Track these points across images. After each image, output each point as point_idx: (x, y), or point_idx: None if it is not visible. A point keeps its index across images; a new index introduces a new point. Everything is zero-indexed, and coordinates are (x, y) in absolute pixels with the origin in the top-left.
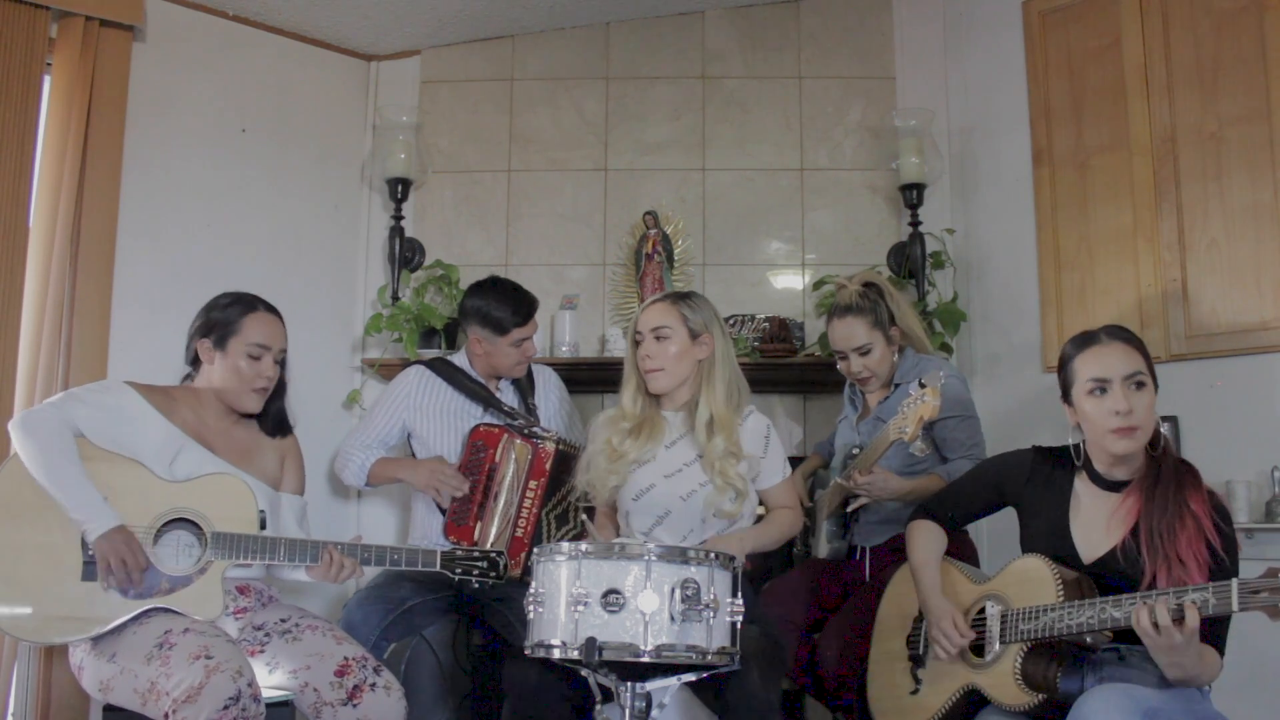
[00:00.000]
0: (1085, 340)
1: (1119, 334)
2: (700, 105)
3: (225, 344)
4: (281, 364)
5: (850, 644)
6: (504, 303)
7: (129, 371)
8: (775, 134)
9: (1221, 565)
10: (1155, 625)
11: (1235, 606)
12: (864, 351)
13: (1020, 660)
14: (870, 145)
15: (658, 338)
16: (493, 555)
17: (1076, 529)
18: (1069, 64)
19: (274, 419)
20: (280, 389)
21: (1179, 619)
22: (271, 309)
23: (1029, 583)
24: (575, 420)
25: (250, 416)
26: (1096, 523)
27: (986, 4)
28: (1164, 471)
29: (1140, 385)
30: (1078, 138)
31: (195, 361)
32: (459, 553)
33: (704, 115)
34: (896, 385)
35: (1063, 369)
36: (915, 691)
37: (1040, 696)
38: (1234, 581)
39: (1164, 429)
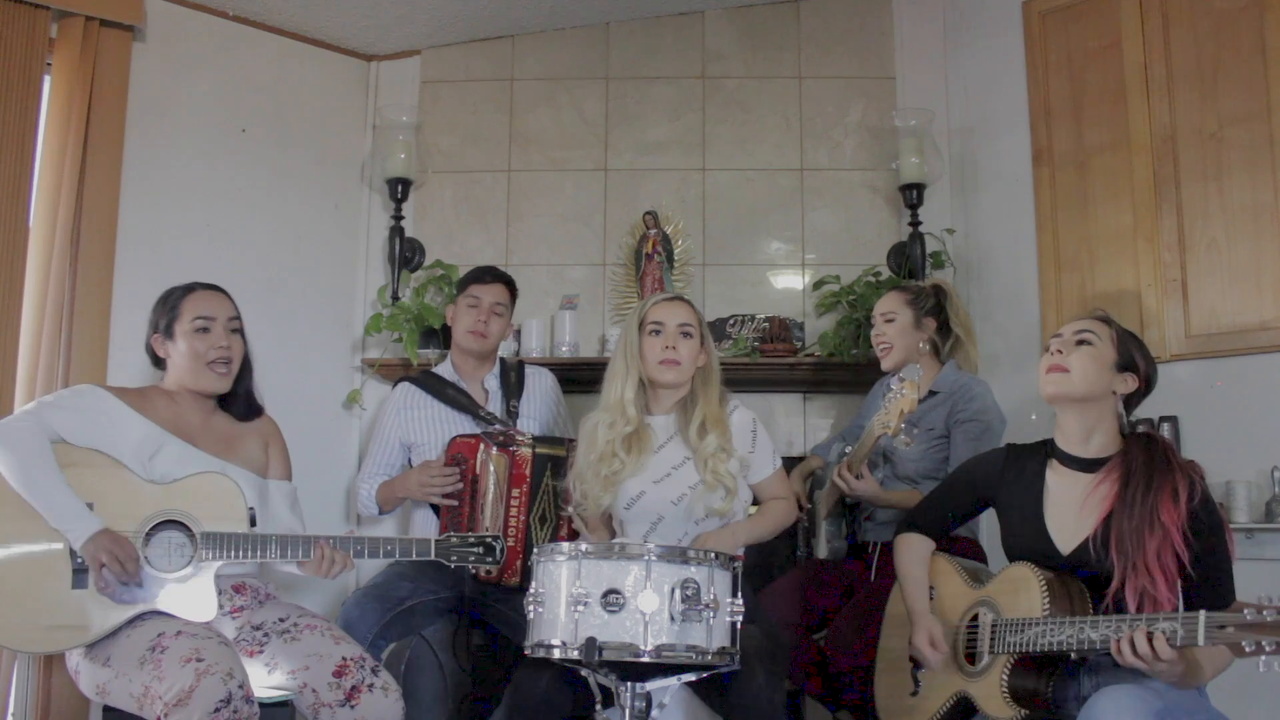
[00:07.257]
0: None
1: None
2: (700, 105)
3: (172, 330)
4: (241, 335)
5: (860, 641)
6: (476, 268)
7: (129, 372)
8: (775, 134)
9: (1190, 581)
10: (1136, 653)
11: (1201, 640)
12: (889, 319)
13: (1007, 674)
14: (870, 145)
15: (684, 334)
16: (488, 540)
17: (1051, 519)
18: (1069, 64)
19: (243, 400)
20: (246, 366)
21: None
22: (209, 285)
23: (1018, 591)
24: (568, 425)
25: (224, 404)
26: (1070, 509)
27: (986, 4)
28: (1136, 466)
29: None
30: (1078, 138)
31: (160, 363)
32: (454, 539)
33: (704, 115)
34: (934, 393)
35: None
36: (915, 693)
37: (1024, 712)
38: (1202, 614)
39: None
